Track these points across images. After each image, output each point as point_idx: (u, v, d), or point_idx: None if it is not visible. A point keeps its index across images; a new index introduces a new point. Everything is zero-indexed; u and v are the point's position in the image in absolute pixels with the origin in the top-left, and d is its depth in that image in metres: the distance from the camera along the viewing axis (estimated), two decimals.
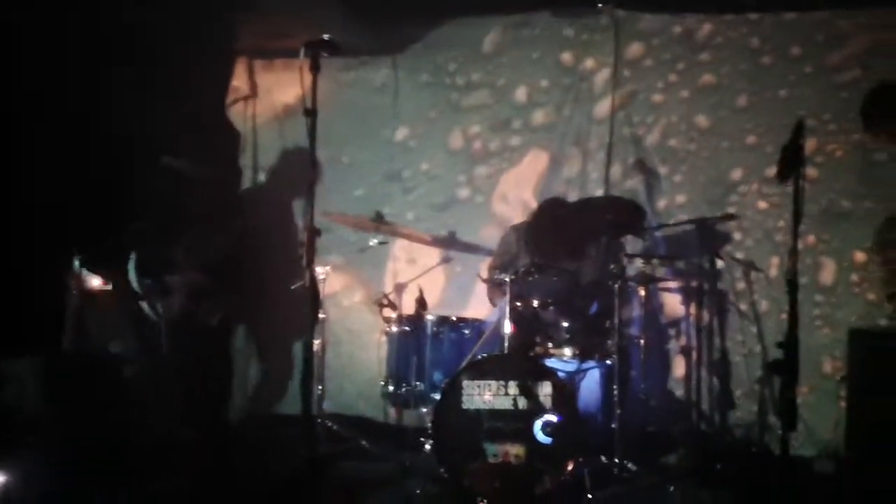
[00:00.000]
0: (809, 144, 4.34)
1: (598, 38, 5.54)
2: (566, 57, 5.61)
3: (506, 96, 5.71)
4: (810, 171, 4.99)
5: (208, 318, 4.47)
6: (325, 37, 3.02)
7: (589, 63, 5.57)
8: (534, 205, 5.55)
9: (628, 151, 5.46)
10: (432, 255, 5.72)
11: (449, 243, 5.57)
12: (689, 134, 5.38)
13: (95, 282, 4.77)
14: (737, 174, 5.27)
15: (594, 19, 5.53)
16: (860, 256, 5.00)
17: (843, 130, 5.06)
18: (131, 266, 4.45)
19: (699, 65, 5.38)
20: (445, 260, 5.68)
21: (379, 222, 4.98)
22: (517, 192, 5.68)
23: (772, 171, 4.93)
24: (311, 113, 2.99)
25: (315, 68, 2.99)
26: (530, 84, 5.66)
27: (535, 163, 5.67)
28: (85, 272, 4.81)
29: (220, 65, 5.69)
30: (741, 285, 5.20)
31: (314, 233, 3.02)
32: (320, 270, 4.93)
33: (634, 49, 5.49)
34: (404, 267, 5.73)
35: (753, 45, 5.29)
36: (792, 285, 2.80)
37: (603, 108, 5.53)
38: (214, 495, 3.89)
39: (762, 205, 5.22)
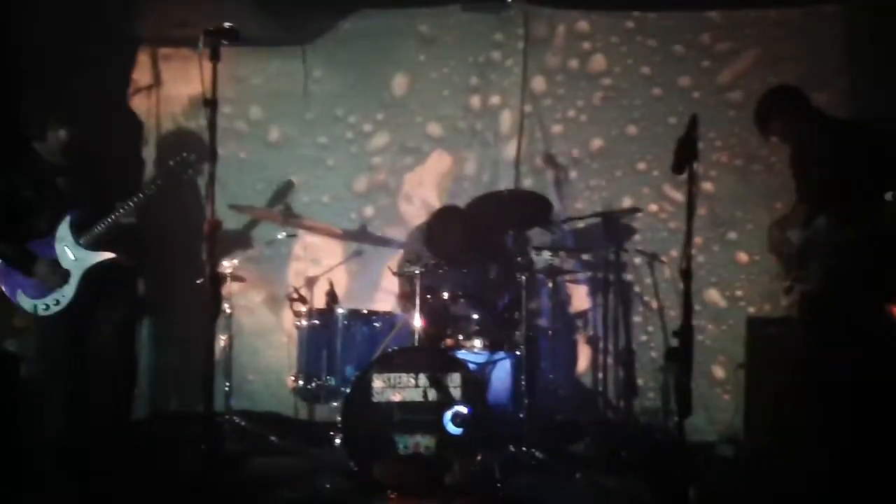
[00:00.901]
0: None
1: (506, 83, 5.60)
2: (474, 100, 5.66)
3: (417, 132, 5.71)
4: (704, 185, 5.29)
5: (110, 312, 4.31)
6: (226, 25, 2.95)
7: (495, 99, 5.63)
8: (437, 205, 5.57)
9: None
10: (335, 253, 5.67)
11: (360, 236, 5.55)
12: (585, 163, 5.54)
13: None
14: (626, 202, 5.44)
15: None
16: (744, 258, 5.33)
17: (730, 146, 5.34)
18: None
19: (598, 90, 5.54)
20: (357, 253, 5.64)
21: (287, 215, 4.91)
22: (420, 192, 5.68)
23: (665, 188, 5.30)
24: (210, 103, 2.92)
25: (215, 57, 2.93)
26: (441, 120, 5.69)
27: (438, 163, 5.69)
28: None
29: (121, 53, 5.50)
30: (646, 278, 5.37)
31: (216, 226, 2.94)
32: (227, 264, 4.84)
33: (538, 83, 5.59)
34: (306, 266, 5.62)
35: (645, 73, 5.50)
36: (686, 275, 2.88)
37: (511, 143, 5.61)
38: (116, 496, 3.78)
39: (653, 207, 5.43)
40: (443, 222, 5.15)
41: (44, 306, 4.01)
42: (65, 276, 3.99)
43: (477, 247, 4.96)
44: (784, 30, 5.30)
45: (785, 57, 5.25)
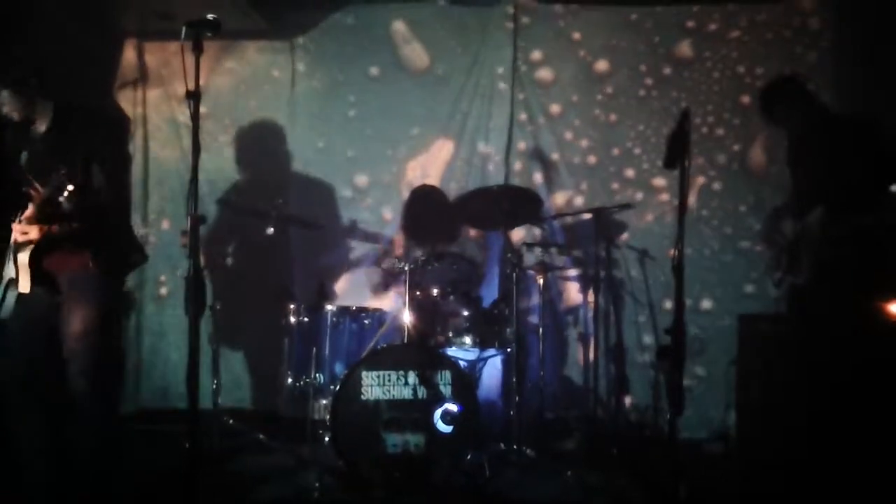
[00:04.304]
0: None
1: (496, 77, 5.54)
2: None
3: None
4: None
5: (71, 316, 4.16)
6: (210, 16, 2.90)
7: (485, 94, 5.56)
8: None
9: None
10: None
11: (349, 233, 5.49)
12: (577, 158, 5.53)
13: None
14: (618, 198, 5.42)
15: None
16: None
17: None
18: None
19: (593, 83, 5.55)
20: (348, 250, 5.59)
21: (278, 210, 4.85)
22: (423, 180, 5.61)
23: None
24: (193, 95, 2.87)
25: (197, 49, 2.88)
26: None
27: (441, 150, 5.63)
28: None
29: (106, 45, 5.43)
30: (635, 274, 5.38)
31: (198, 220, 2.89)
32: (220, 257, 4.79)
33: (528, 77, 5.55)
34: None
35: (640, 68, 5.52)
36: (678, 272, 2.85)
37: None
38: (97, 493, 3.73)
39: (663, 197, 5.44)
40: (420, 200, 5.11)
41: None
42: None
43: (445, 237, 4.88)
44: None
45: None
